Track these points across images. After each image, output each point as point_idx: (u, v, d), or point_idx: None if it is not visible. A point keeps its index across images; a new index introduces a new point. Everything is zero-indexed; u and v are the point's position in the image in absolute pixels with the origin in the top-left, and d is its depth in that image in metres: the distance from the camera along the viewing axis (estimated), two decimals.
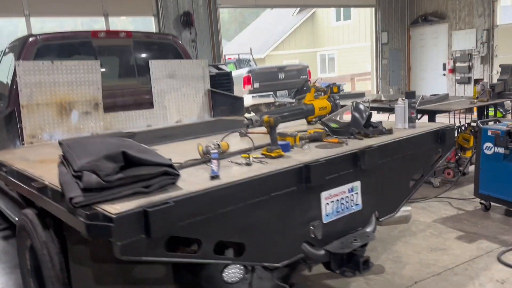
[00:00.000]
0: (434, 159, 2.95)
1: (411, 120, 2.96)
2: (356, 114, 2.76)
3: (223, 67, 8.67)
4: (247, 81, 11.15)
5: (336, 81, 16.56)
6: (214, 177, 1.98)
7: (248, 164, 2.19)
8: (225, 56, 14.22)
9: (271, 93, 10.84)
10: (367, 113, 2.77)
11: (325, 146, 2.55)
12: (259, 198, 1.98)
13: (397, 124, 3.01)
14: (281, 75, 11.49)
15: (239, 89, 11.33)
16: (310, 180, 2.14)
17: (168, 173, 1.80)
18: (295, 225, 2.17)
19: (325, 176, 2.21)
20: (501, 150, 3.88)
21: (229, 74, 8.46)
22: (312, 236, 2.23)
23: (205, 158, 2.29)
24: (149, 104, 4.50)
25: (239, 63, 14.11)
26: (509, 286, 2.88)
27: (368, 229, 2.49)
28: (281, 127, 3.47)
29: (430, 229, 3.90)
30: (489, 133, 3.97)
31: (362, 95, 6.95)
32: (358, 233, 2.41)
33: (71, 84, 3.97)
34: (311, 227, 2.22)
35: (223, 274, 2.08)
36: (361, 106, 2.81)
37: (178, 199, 1.70)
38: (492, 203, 4.15)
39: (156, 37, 4.93)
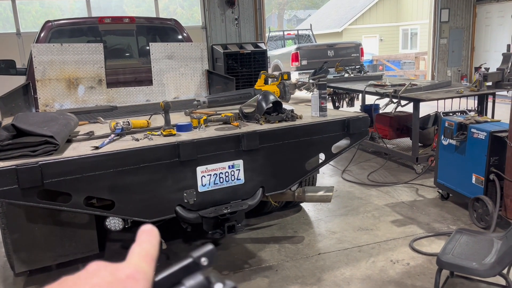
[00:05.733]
0: (338, 146, 3.23)
1: (322, 109, 3.26)
2: (262, 102, 3.14)
3: (261, 45, 9.12)
4: (294, 58, 11.43)
5: (401, 59, 15.99)
6: (96, 147, 2.56)
7: (137, 140, 2.74)
8: (283, 32, 14.52)
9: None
10: (272, 101, 3.13)
11: (223, 129, 3.00)
12: (127, 167, 2.53)
13: (312, 112, 3.33)
14: (330, 53, 11.58)
15: (287, 66, 11.67)
16: (180, 156, 2.64)
17: (49, 142, 2.42)
18: (168, 190, 2.69)
19: (196, 154, 2.69)
20: (454, 141, 3.94)
21: (264, 52, 8.90)
22: (186, 201, 2.74)
23: (111, 132, 2.88)
24: (149, 82, 5.18)
25: (298, 39, 14.30)
26: (399, 266, 3.12)
27: (250, 201, 2.92)
28: (230, 108, 3.93)
29: (375, 211, 4.13)
30: (446, 124, 4.03)
31: (379, 77, 7.00)
32: (234, 203, 2.86)
33: (77, 63, 4.76)
34: (185, 194, 2.73)
35: (106, 223, 2.69)
36: (268, 95, 3.17)
37: (44, 162, 2.32)
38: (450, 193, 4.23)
39: (158, 22, 5.54)
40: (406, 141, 5.95)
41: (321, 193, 3.57)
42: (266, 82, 4.28)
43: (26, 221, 2.91)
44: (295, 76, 11.27)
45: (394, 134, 5.89)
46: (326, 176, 5.28)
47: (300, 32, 14.41)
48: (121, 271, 0.44)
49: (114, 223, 2.70)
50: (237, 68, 8.59)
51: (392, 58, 15.42)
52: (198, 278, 0.46)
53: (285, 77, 3.98)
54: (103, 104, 4.78)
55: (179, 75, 5.31)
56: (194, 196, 2.76)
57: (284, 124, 3.06)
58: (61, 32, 4.76)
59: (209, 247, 0.48)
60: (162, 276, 0.46)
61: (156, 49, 5.12)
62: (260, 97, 3.16)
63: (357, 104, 7.42)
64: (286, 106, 3.31)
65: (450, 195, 4.22)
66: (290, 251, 3.44)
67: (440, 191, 4.28)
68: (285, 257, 3.33)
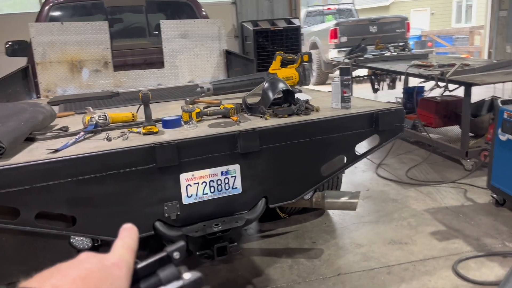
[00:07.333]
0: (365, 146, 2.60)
1: (344, 100, 2.62)
2: (268, 91, 2.54)
3: (294, 21, 8.40)
4: (333, 34, 10.61)
5: (454, 34, 14.69)
6: (55, 150, 2.09)
7: (109, 140, 2.24)
8: (323, 6, 13.60)
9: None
10: (280, 90, 2.53)
11: (218, 125, 2.44)
12: (90, 175, 2.04)
13: (332, 103, 2.69)
14: (373, 28, 10.65)
15: (325, 44, 10.87)
16: (156, 161, 2.12)
17: None
18: (144, 203, 2.18)
19: (178, 158, 2.15)
20: None
21: (297, 29, 8.20)
22: (167, 216, 2.23)
23: (83, 129, 2.40)
24: (161, 64, 4.68)
25: (340, 14, 13.35)
26: None
27: (250, 216, 2.37)
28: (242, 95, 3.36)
29: (412, 218, 3.47)
30: (505, 115, 3.27)
31: (424, 56, 6.16)
32: (227, 218, 2.32)
33: (80, 44, 4.32)
34: (165, 207, 2.22)
35: (71, 241, 2.23)
36: (276, 82, 2.57)
37: None
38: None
39: None
40: (454, 130, 5.15)
41: (344, 199, 2.96)
42: (286, 65, 3.66)
43: None
44: (332, 55, 10.49)
45: (440, 122, 5.10)
46: (358, 171, 4.63)
47: (341, 6, 13.43)
48: (107, 259, 0.51)
49: (80, 240, 2.23)
50: (268, 47, 7.96)
51: (444, 33, 14.14)
52: (170, 269, 0.53)
53: (305, 58, 3.34)
54: (108, 89, 4.34)
55: (193, 56, 4.78)
56: (177, 210, 2.23)
57: (294, 119, 2.45)
58: (62, 9, 4.34)
59: (180, 243, 0.54)
60: (140, 265, 0.53)
61: (168, 27, 4.60)
62: (267, 85, 2.56)
63: (399, 86, 6.62)
64: (302, 95, 2.71)
65: (507, 201, 3.49)
66: (305, 269, 2.87)
67: (495, 195, 3.54)
68: (297, 277, 2.78)
